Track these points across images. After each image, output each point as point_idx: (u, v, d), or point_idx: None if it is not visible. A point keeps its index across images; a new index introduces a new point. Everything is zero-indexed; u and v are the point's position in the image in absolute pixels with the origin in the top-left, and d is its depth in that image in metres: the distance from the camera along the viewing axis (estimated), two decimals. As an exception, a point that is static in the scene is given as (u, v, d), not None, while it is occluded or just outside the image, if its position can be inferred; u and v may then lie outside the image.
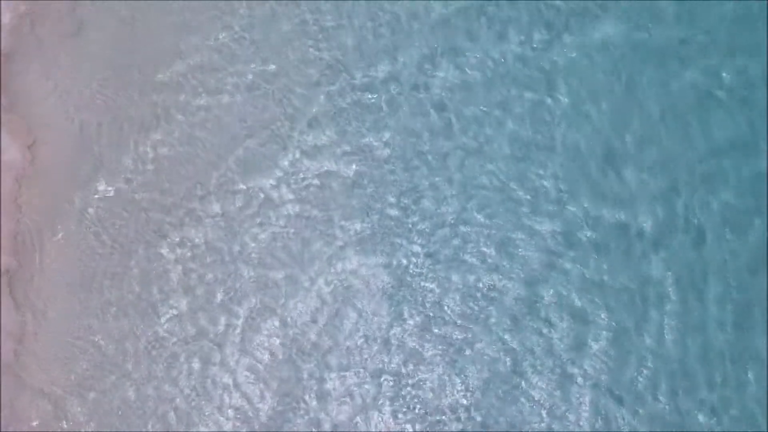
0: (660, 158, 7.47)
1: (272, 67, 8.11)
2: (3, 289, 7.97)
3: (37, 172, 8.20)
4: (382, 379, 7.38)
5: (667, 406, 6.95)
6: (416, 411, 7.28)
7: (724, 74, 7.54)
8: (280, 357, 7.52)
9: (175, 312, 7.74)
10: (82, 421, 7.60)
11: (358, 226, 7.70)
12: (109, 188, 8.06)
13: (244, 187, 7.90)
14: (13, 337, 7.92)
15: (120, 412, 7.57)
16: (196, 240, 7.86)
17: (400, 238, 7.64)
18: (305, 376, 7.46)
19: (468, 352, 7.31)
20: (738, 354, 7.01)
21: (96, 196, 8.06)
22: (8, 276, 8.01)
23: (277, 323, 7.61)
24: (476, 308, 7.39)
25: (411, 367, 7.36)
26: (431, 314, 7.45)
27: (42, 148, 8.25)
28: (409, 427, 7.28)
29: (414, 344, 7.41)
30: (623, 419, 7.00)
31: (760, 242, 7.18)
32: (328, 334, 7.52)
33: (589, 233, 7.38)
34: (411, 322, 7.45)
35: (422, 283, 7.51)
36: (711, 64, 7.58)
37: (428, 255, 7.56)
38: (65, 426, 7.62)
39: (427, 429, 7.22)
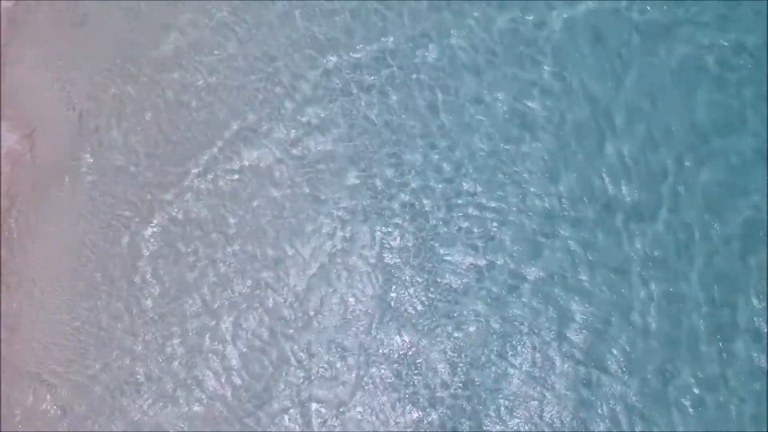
0: (654, 137, 7.24)
1: (270, 47, 8.10)
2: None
3: (35, 161, 8.20)
4: (378, 357, 7.21)
5: (656, 381, 6.78)
6: (413, 388, 7.11)
7: (719, 52, 7.29)
8: (277, 335, 7.40)
9: (174, 291, 7.66)
10: (83, 403, 7.54)
11: (356, 206, 7.57)
12: (106, 172, 8.07)
13: (247, 164, 7.86)
14: (9, 327, 7.88)
15: (120, 392, 7.53)
16: (195, 218, 7.80)
17: (399, 218, 7.48)
18: (302, 355, 7.34)
19: (468, 329, 7.14)
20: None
21: (92, 181, 8.06)
22: (7, 267, 7.99)
23: (274, 301, 7.49)
24: (474, 287, 7.20)
25: (408, 345, 7.20)
26: (429, 293, 7.27)
27: (40, 136, 8.27)
28: (405, 402, 7.09)
29: (412, 322, 7.25)
30: (614, 395, 6.78)
31: (751, 222, 6.98)
32: (325, 313, 7.37)
33: (582, 212, 7.22)
34: (408, 301, 7.28)
35: (422, 263, 7.34)
36: (706, 42, 7.35)
37: (428, 235, 7.40)
38: (65, 410, 7.58)
39: (423, 405, 7.04)
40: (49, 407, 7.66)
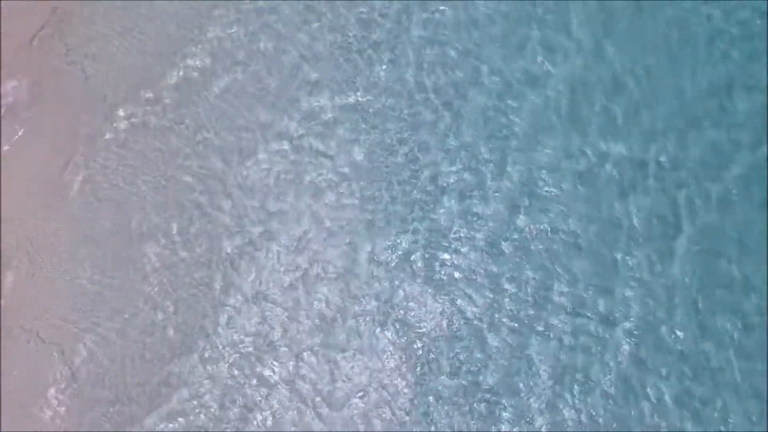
0: (659, 94, 7.07)
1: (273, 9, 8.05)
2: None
3: (36, 115, 8.20)
4: (387, 306, 7.05)
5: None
6: (420, 335, 6.97)
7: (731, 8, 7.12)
8: (285, 284, 7.25)
9: (177, 238, 7.53)
10: (88, 363, 7.34)
11: (359, 159, 7.46)
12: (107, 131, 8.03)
13: (247, 123, 7.78)
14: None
15: (124, 353, 7.33)
16: (205, 171, 7.72)
17: (396, 175, 7.33)
18: (312, 304, 7.19)
19: (471, 287, 6.98)
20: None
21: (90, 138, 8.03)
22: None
23: (276, 251, 7.35)
24: (483, 243, 7.04)
25: (415, 294, 7.05)
26: (433, 247, 7.12)
27: (44, 91, 8.25)
28: (410, 347, 6.96)
29: (420, 273, 7.10)
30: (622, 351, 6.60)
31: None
32: (332, 265, 7.21)
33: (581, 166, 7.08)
34: (414, 256, 7.13)
35: (426, 224, 7.18)
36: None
37: (433, 199, 7.22)
38: (72, 372, 7.34)
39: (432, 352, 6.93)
40: (53, 365, 7.41)
